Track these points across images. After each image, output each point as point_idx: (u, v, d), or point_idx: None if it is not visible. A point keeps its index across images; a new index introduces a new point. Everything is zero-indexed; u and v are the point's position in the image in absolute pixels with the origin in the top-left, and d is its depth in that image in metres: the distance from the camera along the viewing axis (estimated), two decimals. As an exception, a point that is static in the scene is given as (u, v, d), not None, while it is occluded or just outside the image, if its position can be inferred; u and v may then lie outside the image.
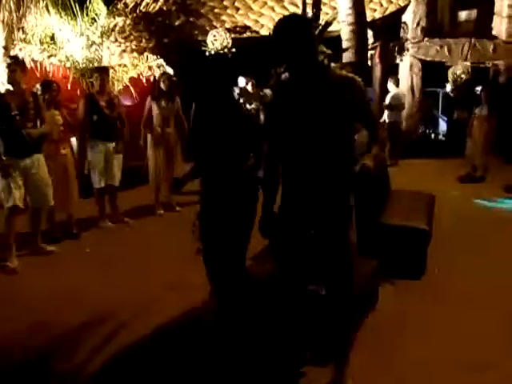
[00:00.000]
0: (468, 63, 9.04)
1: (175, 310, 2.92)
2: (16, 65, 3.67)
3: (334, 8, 7.29)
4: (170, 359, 2.47)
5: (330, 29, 6.41)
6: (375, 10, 8.51)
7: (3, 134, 3.64)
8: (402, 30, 8.99)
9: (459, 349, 2.53)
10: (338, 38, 6.83)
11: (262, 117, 6.68)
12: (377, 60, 9.83)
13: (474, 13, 9.57)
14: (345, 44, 5.20)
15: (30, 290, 3.35)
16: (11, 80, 3.66)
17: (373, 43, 8.34)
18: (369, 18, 8.64)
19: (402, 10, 8.94)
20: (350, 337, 2.09)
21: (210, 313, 2.67)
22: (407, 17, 8.91)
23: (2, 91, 3.70)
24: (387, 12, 8.56)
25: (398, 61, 9.21)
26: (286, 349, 2.19)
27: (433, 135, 10.91)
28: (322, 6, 6.12)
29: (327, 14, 7.14)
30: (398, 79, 8.21)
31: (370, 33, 8.31)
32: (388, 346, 2.53)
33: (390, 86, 7.87)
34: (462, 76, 8.76)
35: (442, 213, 4.53)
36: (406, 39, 8.86)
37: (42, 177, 3.90)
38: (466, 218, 4.95)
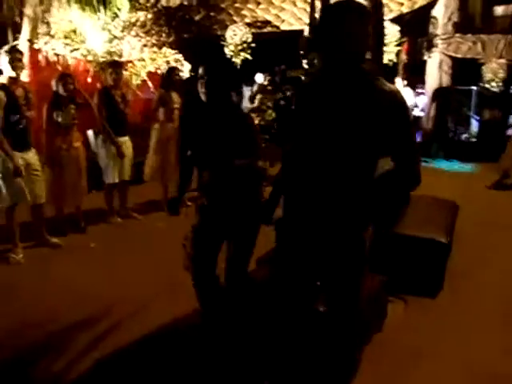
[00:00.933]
0: (503, 60, 8.58)
1: (173, 312, 2.82)
2: (20, 54, 3.66)
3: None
4: (161, 361, 2.38)
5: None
6: (402, 4, 8.15)
7: (12, 127, 3.56)
8: (431, 25, 8.59)
9: (473, 376, 2.31)
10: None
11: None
12: (404, 56, 9.48)
13: (511, 7, 9.05)
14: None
15: (30, 283, 3.35)
16: (17, 70, 3.62)
17: (399, 39, 7.98)
18: (396, 13, 8.33)
19: (432, 3, 8.54)
20: (352, 363, 1.91)
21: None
22: (438, 11, 8.51)
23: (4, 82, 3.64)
24: (416, 6, 8.19)
25: (425, 57, 8.83)
26: (278, 368, 2.04)
27: (463, 136, 10.42)
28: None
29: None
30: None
31: (396, 28, 7.99)
32: (393, 369, 2.33)
33: (398, 83, 7.59)
34: (500, 75, 8.34)
35: (466, 222, 4.24)
36: (436, 35, 8.46)
37: (40, 172, 3.88)
38: (491, 228, 4.62)
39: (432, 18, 8.69)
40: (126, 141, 4.82)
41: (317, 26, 1.54)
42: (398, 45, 8.13)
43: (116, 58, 7.15)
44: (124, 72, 7.39)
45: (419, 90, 9.66)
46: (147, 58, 7.13)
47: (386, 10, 8.50)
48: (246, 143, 2.17)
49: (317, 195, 1.67)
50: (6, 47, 3.56)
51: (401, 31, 8.46)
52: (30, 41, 6.28)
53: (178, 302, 2.88)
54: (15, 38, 6.21)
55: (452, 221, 3.71)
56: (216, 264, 2.34)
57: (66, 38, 6.73)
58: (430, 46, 8.63)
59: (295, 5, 7.91)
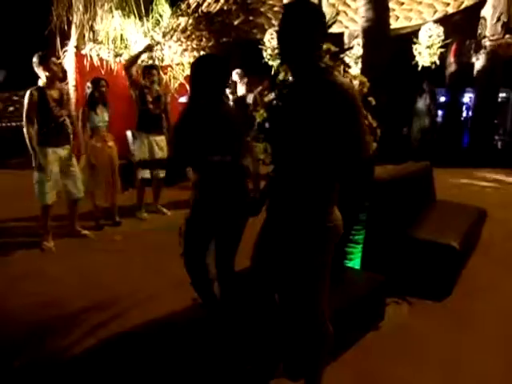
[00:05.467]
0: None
1: (179, 305, 2.86)
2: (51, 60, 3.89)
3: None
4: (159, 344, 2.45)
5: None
6: (448, 5, 7.83)
7: (43, 123, 3.80)
8: (479, 26, 8.19)
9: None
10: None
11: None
12: (452, 59, 9.11)
13: None
14: (363, 41, 4.81)
15: (55, 269, 3.55)
16: (56, 74, 3.84)
17: (444, 40, 7.66)
18: (441, 13, 8.03)
19: (481, 3, 8.13)
20: (320, 357, 1.90)
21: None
22: (486, 11, 8.09)
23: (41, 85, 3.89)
24: (462, 6, 7.84)
25: (473, 59, 8.42)
26: (260, 355, 2.06)
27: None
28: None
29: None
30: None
31: (440, 29, 7.70)
32: (379, 368, 2.27)
33: None
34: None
35: (497, 230, 4.02)
36: (484, 36, 8.05)
37: (75, 168, 4.10)
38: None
39: (481, 19, 8.28)
40: (160, 139, 4.99)
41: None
42: (442, 47, 7.80)
43: (157, 63, 7.47)
44: (163, 76, 7.72)
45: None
46: (185, 63, 7.35)
47: (430, 10, 8.26)
48: (226, 140, 2.20)
49: (282, 188, 1.71)
50: (35, 57, 3.75)
51: (448, 33, 8.14)
52: (77, 47, 6.73)
53: (184, 295, 2.96)
54: (63, 45, 6.66)
55: (475, 227, 3.53)
56: (205, 253, 2.39)
57: (110, 43, 7.14)
58: (478, 48, 8.22)
59: (333, 6, 7.84)
